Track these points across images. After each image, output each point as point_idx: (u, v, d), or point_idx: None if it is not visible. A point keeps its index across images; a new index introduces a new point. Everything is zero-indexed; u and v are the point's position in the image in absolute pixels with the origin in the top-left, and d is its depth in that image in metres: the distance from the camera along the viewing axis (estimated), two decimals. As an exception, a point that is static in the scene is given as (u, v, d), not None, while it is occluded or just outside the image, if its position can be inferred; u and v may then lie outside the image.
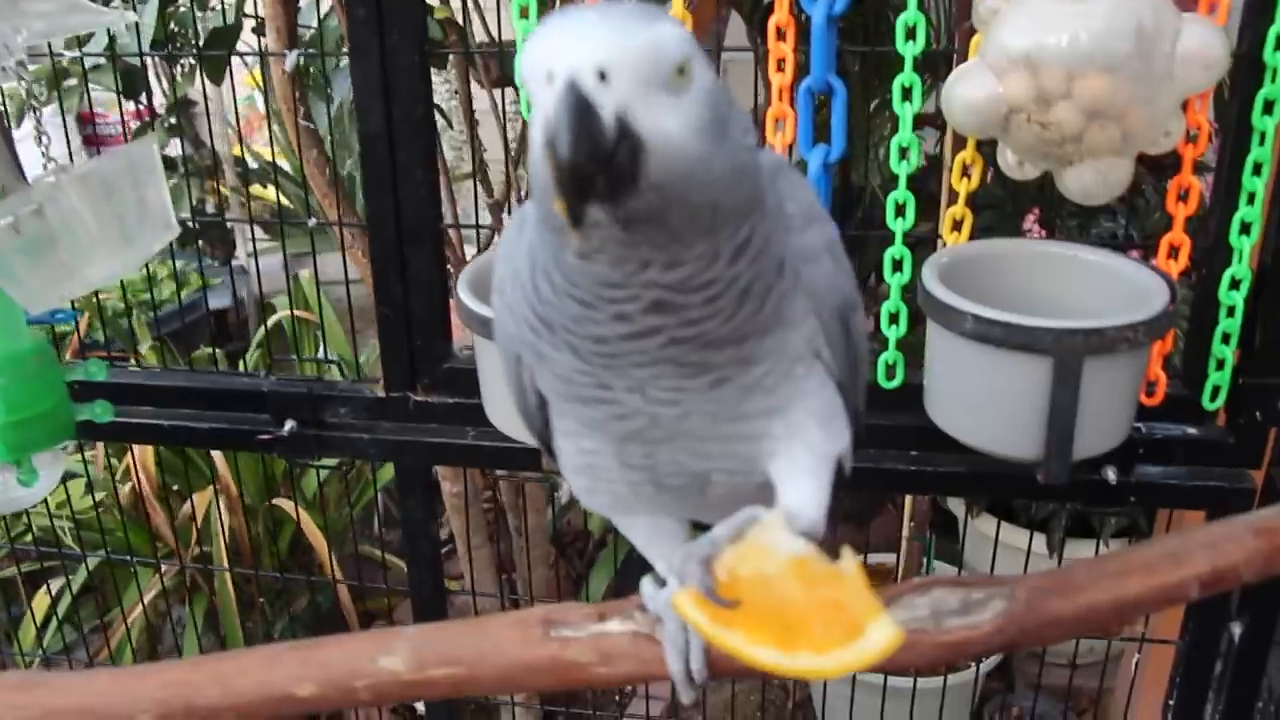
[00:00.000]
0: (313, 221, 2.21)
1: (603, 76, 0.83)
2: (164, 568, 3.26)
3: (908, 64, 1.72)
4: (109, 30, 2.31)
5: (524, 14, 1.79)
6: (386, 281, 2.05)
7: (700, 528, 1.21)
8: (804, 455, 1.10)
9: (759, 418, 1.07)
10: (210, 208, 5.29)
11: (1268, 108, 1.66)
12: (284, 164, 5.15)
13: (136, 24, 2.52)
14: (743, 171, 0.95)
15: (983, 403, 1.68)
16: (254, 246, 2.78)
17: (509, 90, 2.85)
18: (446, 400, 2.11)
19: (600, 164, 0.84)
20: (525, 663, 1.19)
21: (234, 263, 5.36)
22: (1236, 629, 2.01)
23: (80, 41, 2.49)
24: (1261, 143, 1.68)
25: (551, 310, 1.01)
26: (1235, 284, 1.77)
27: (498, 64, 2.92)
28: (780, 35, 1.74)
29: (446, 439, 2.12)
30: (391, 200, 1.99)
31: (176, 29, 3.43)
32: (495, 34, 2.70)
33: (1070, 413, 1.59)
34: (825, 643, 0.97)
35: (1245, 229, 1.74)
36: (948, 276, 1.69)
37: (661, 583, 1.15)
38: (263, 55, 2.43)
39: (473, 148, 3.01)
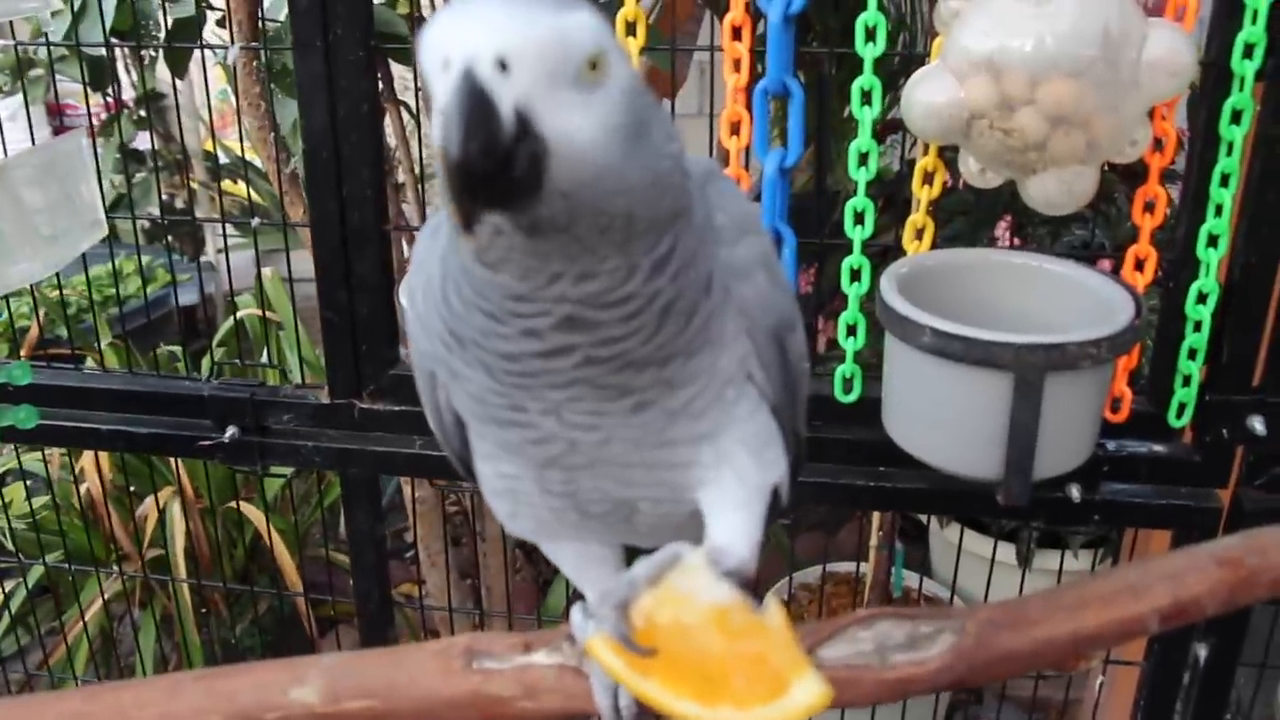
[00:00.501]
0: (256, 222, 2.13)
1: (503, 66, 0.75)
2: (117, 572, 3.18)
3: (868, 66, 1.66)
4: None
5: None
6: (330, 285, 1.97)
7: (635, 551, 1.15)
8: (734, 486, 1.03)
9: (686, 444, 1.00)
10: (179, 203, 5.20)
11: (1235, 117, 1.61)
12: (255, 159, 5.07)
13: (101, 12, 2.45)
14: (663, 180, 0.87)
15: (941, 419, 1.62)
16: (224, 243, 2.69)
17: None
18: (393, 408, 2.04)
19: (495, 162, 0.76)
20: (445, 696, 1.13)
21: (203, 259, 5.26)
22: (1201, 650, 1.96)
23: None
24: (1229, 153, 1.63)
25: (461, 324, 0.94)
26: (1202, 298, 1.72)
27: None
28: (736, 34, 1.68)
29: (393, 448, 2.05)
30: (336, 200, 1.92)
31: (141, 20, 3.35)
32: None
33: (1031, 430, 1.54)
34: (748, 697, 0.91)
35: (1213, 241, 1.69)
36: (907, 287, 1.63)
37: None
38: (204, 47, 2.34)
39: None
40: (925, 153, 1.75)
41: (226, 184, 5.37)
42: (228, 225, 2.48)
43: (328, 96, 1.86)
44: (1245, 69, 1.58)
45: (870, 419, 1.77)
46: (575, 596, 1.15)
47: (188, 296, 5.20)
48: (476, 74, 0.75)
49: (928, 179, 1.75)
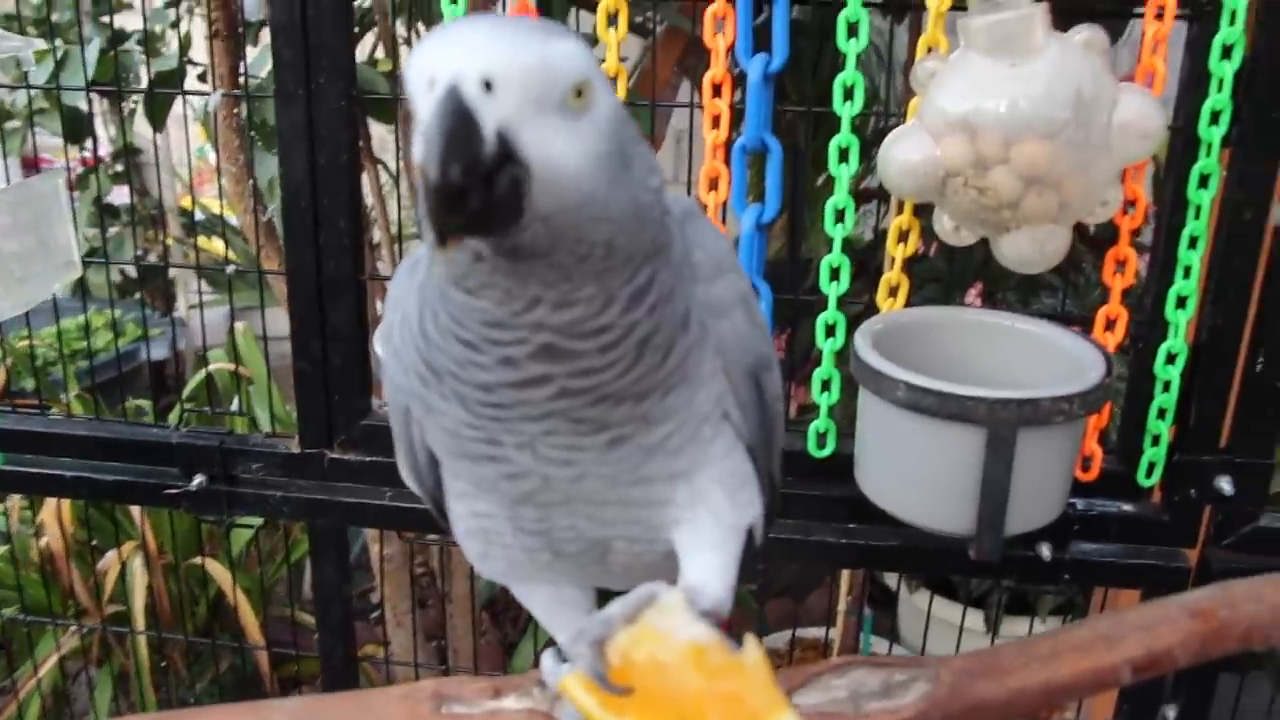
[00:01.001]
0: (231, 269, 2.13)
1: (488, 87, 0.75)
2: (72, 629, 3.10)
3: (844, 125, 1.69)
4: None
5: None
6: (305, 334, 1.96)
7: (607, 595, 1.14)
8: (710, 526, 1.02)
9: (661, 482, 1.00)
10: (154, 259, 5.19)
11: (1203, 181, 1.64)
12: (231, 217, 5.07)
13: (84, 60, 2.47)
14: (644, 212, 0.88)
15: (914, 474, 1.62)
16: (200, 298, 2.66)
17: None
18: (364, 458, 2.02)
19: (475, 181, 0.75)
20: (412, 741, 1.11)
21: (175, 314, 5.24)
22: (1170, 711, 1.95)
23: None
24: (1197, 216, 1.66)
25: (438, 354, 0.93)
26: (1171, 359, 1.75)
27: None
28: (716, 91, 1.71)
29: (363, 499, 2.03)
30: (313, 249, 1.92)
31: (122, 71, 3.36)
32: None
33: (1003, 486, 1.54)
34: None
35: (1181, 303, 1.71)
36: (881, 343, 1.64)
37: (565, 658, 1.07)
38: (185, 94, 2.36)
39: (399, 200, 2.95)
40: (900, 212, 1.77)
41: (202, 240, 5.36)
42: (201, 283, 2.47)
43: (308, 145, 1.87)
44: (1212, 135, 1.62)
45: (843, 475, 1.78)
46: (541, 654, 1.13)
47: (159, 352, 5.18)
48: (461, 92, 0.75)
49: (903, 237, 1.77)
